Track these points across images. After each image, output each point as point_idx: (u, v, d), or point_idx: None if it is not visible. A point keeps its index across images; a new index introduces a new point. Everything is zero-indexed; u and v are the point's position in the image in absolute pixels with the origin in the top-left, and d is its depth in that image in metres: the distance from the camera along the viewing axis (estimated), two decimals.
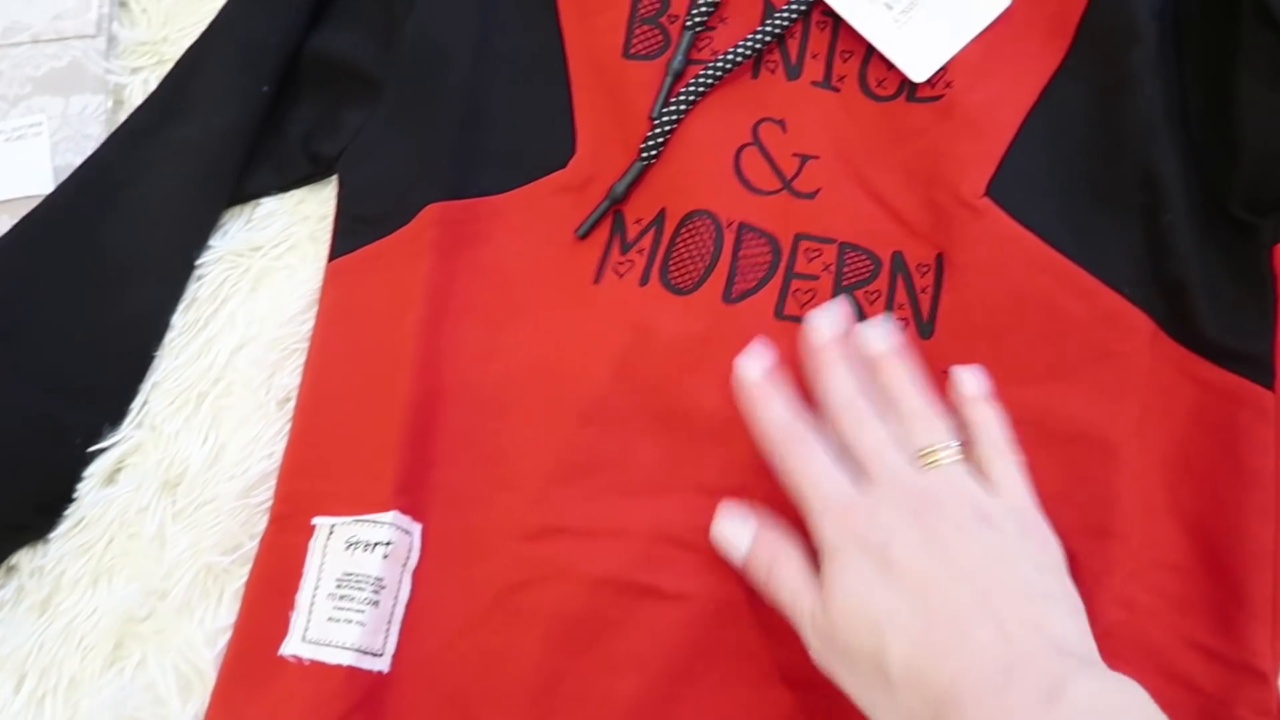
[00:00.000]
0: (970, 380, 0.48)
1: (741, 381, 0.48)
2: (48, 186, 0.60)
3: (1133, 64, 0.53)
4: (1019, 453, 0.46)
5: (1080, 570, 0.47)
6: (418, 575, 0.50)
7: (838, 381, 0.47)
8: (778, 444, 0.46)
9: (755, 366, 0.48)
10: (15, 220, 0.58)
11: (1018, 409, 0.50)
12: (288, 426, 0.55)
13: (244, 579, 0.52)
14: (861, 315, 0.53)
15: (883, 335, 0.48)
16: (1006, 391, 0.50)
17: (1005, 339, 0.51)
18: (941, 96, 0.55)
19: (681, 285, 0.54)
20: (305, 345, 0.57)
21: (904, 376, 0.47)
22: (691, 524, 0.50)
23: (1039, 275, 0.52)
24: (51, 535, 0.54)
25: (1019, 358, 0.51)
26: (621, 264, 0.55)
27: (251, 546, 0.53)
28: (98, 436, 0.55)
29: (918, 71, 0.56)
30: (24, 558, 0.54)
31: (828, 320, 0.49)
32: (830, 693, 0.44)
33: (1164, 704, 0.45)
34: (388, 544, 0.49)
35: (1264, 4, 0.50)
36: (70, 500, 0.55)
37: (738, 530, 0.48)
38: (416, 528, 0.51)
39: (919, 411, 0.46)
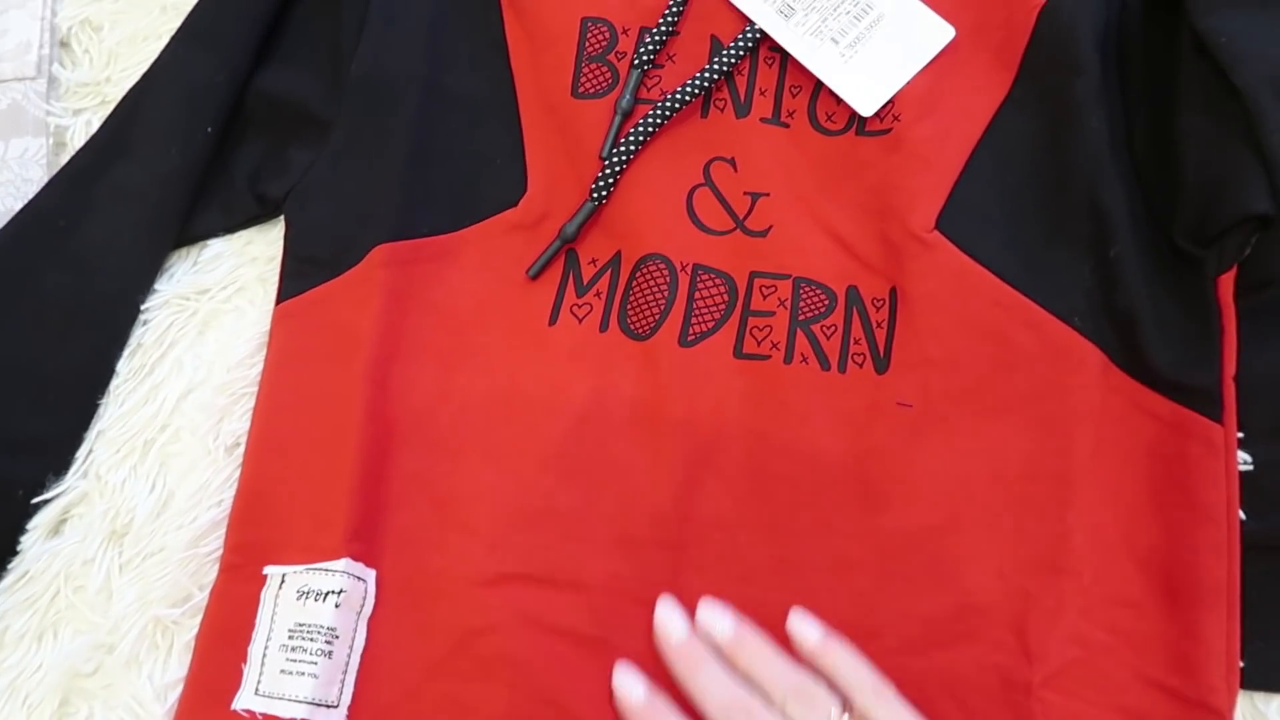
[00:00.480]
0: (808, 629, 0.48)
1: (668, 641, 0.48)
2: None
3: (1077, 95, 0.53)
4: (888, 684, 0.46)
5: (1035, 608, 0.47)
6: (373, 622, 0.49)
7: (711, 682, 0.46)
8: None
9: (678, 625, 0.48)
10: None
11: (970, 441, 0.50)
12: (237, 473, 0.54)
13: (194, 631, 0.51)
14: (819, 350, 0.53)
15: (722, 618, 0.48)
16: (959, 425, 0.50)
17: (958, 372, 0.51)
18: (890, 130, 0.55)
19: (639, 330, 0.54)
20: (254, 390, 0.56)
21: (762, 655, 0.47)
22: (645, 577, 0.50)
23: (990, 308, 0.52)
24: None
25: (972, 391, 0.51)
26: (579, 306, 0.55)
27: (201, 598, 0.52)
28: (41, 488, 0.54)
29: (865, 105, 0.56)
30: None
31: (674, 620, 0.48)
32: None
33: None
34: (340, 592, 0.48)
35: (1201, 37, 0.50)
36: (14, 554, 0.53)
37: (630, 682, 0.48)
38: (370, 574, 0.50)
39: (794, 690, 0.45)
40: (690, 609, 0.49)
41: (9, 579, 0.53)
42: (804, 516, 0.50)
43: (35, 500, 0.54)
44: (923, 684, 0.47)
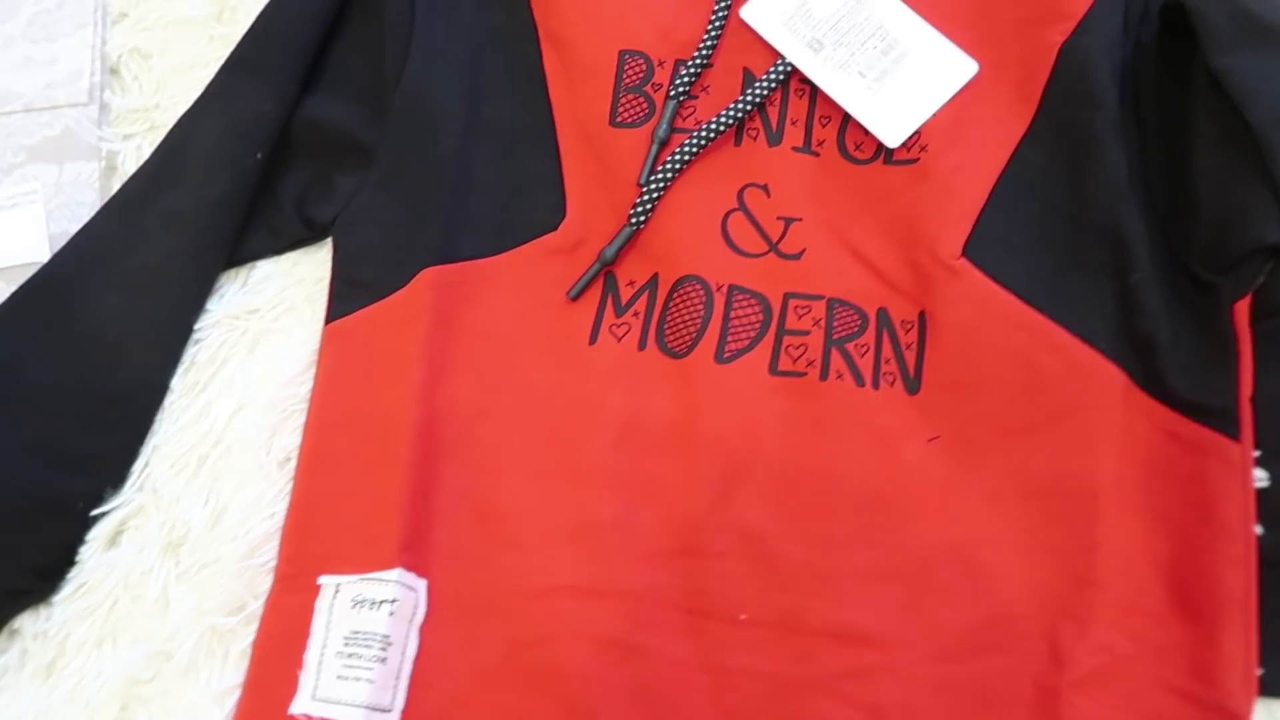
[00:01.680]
0: None
1: None
2: (44, 254, 0.62)
3: (1096, 128, 0.56)
4: None
5: (1065, 618, 0.49)
6: (425, 630, 0.51)
7: None
8: None
9: None
10: (12, 288, 0.59)
11: (1000, 461, 0.52)
12: (288, 487, 0.56)
13: (249, 639, 0.53)
14: (854, 367, 0.55)
15: None
16: (989, 445, 0.53)
17: (986, 394, 0.53)
18: (917, 160, 0.57)
19: (676, 349, 0.56)
20: (304, 407, 0.58)
21: None
22: (685, 586, 0.52)
23: (1016, 332, 0.54)
24: (55, 599, 0.55)
25: (1000, 412, 0.53)
26: (618, 326, 0.57)
27: (256, 607, 0.53)
28: (99, 501, 0.56)
29: (891, 137, 0.58)
30: (26, 621, 0.55)
31: None
32: None
33: None
34: (393, 601, 0.50)
35: (1216, 75, 0.53)
36: (72, 564, 0.55)
37: None
38: (422, 584, 0.52)
39: None
40: (731, 617, 0.50)
41: (69, 589, 0.55)
42: (839, 528, 0.52)
43: (93, 513, 0.56)
44: (959, 691, 0.49)
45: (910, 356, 0.55)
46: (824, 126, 0.60)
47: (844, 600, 0.51)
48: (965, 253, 0.55)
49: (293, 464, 0.56)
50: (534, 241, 0.59)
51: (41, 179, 0.64)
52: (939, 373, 0.54)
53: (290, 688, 0.50)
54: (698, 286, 0.56)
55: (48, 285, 0.59)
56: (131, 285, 0.59)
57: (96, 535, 0.56)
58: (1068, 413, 0.53)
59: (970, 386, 0.54)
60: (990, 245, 0.55)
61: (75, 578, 0.55)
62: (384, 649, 0.50)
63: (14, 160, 0.65)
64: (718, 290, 0.56)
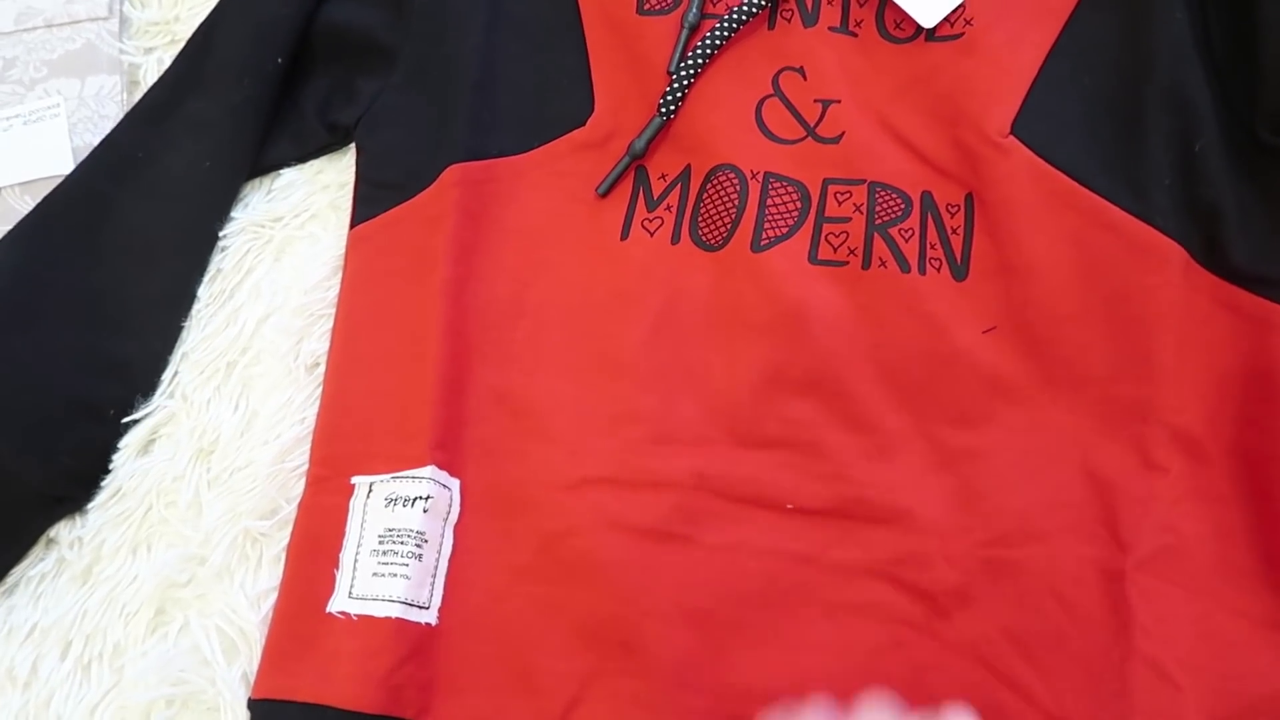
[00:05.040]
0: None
1: None
2: (68, 167, 0.61)
3: None
4: None
5: (1124, 501, 0.47)
6: (458, 529, 0.50)
7: None
8: None
9: None
10: (37, 201, 0.58)
11: (1054, 347, 0.50)
12: (318, 391, 0.55)
13: (282, 543, 0.52)
14: (898, 253, 0.52)
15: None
16: (1042, 330, 0.50)
17: (1038, 279, 0.51)
18: (961, 35, 0.55)
19: (711, 241, 0.54)
20: (331, 311, 0.57)
21: None
22: (730, 475, 0.50)
23: (1068, 212, 0.52)
24: (89, 506, 0.54)
25: (1053, 297, 0.51)
26: (650, 220, 0.55)
27: (289, 510, 0.53)
28: (131, 409, 0.56)
29: (927, 17, 0.56)
30: (62, 529, 0.54)
31: None
32: (875, 638, 0.45)
33: (1212, 628, 0.45)
34: (427, 498, 0.49)
35: None
36: (106, 471, 0.55)
37: None
38: (455, 482, 0.51)
39: None
40: (778, 506, 0.49)
41: (103, 495, 0.54)
42: (891, 418, 0.50)
43: (125, 420, 0.55)
44: (1016, 575, 0.47)
45: (957, 241, 0.53)
46: (862, 6, 0.57)
47: (895, 488, 0.49)
48: (1014, 130, 0.53)
49: (321, 369, 0.55)
50: (562, 137, 0.57)
51: (64, 93, 0.64)
52: (987, 257, 0.52)
53: (326, 587, 0.49)
54: (732, 175, 0.54)
55: (75, 195, 0.58)
56: (158, 193, 0.59)
57: (129, 442, 0.55)
58: (1124, 294, 0.50)
59: (1020, 270, 0.51)
60: (1041, 122, 0.53)
61: (109, 484, 0.55)
62: (419, 545, 0.49)
63: (36, 75, 0.64)
64: (752, 178, 0.54)
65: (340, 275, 0.57)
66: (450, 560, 0.50)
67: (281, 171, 0.61)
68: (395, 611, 0.47)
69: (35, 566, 0.54)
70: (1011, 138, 0.53)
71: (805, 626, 0.48)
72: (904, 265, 0.52)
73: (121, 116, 0.62)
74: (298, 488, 0.53)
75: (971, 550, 0.48)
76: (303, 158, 0.62)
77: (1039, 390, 0.50)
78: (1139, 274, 0.51)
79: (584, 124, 0.57)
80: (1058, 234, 0.51)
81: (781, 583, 0.48)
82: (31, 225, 0.57)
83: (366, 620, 0.48)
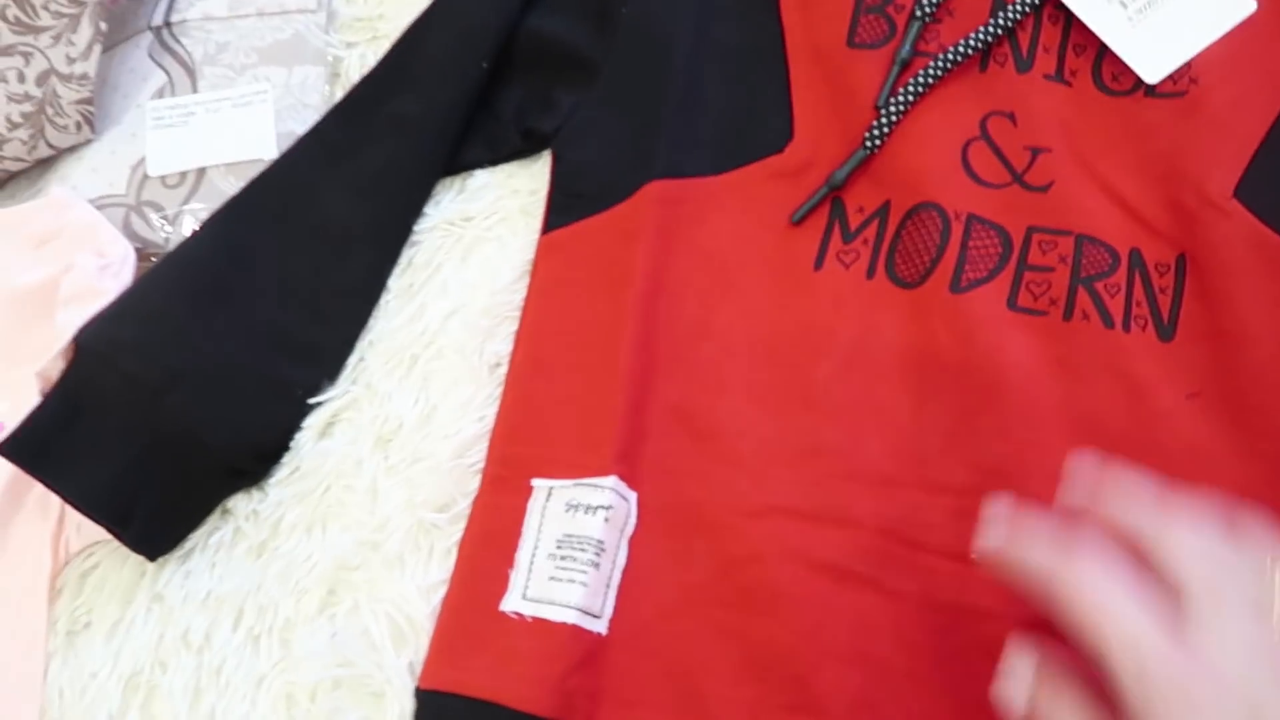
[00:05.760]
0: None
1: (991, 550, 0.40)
2: (271, 151, 0.63)
3: None
4: None
5: None
6: (634, 543, 0.50)
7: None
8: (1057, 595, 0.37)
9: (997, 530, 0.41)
10: (241, 181, 0.60)
11: (1262, 417, 0.48)
12: (498, 391, 0.55)
13: (455, 536, 0.52)
14: (1102, 308, 0.51)
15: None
16: (1251, 399, 0.49)
17: (1251, 346, 0.49)
18: (1185, 93, 0.53)
19: (907, 279, 0.53)
20: (516, 314, 0.57)
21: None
22: (915, 520, 0.49)
23: None
24: (269, 482, 0.56)
25: (1265, 366, 0.49)
26: (845, 253, 0.54)
27: (464, 506, 0.53)
28: (317, 390, 0.57)
29: (1151, 73, 0.55)
30: (239, 502, 0.56)
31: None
32: None
33: None
34: (608, 508, 0.49)
35: None
36: (287, 449, 0.56)
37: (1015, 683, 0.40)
38: (633, 495, 0.51)
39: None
40: (961, 555, 0.48)
41: (284, 472, 0.56)
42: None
43: (310, 401, 0.56)
44: None
45: (1164, 301, 0.51)
46: (1079, 55, 0.56)
47: None
48: (1236, 194, 0.51)
49: (503, 369, 0.56)
50: (758, 162, 0.57)
51: (271, 80, 0.65)
52: (1197, 320, 0.50)
53: (499, 586, 0.49)
54: (934, 214, 0.54)
55: (280, 181, 0.60)
56: (358, 186, 0.60)
57: (311, 424, 0.56)
58: None
59: (1233, 336, 0.50)
60: (1265, 187, 0.51)
61: (290, 462, 0.56)
62: (598, 554, 0.49)
63: (246, 61, 0.66)
64: (955, 219, 0.54)
65: (527, 280, 0.58)
66: (624, 572, 0.50)
67: (475, 173, 0.62)
68: (571, 618, 0.47)
69: (213, 536, 0.55)
70: (1234, 201, 0.51)
71: (982, 685, 0.47)
72: (1108, 321, 0.51)
73: (324, 106, 0.64)
74: (474, 484, 0.53)
75: None
76: (495, 161, 0.63)
77: (1241, 462, 0.48)
78: None
79: (781, 150, 0.57)
80: (1275, 301, 0.50)
81: (961, 637, 0.47)
82: (238, 207, 0.59)
83: (541, 623, 0.48)
